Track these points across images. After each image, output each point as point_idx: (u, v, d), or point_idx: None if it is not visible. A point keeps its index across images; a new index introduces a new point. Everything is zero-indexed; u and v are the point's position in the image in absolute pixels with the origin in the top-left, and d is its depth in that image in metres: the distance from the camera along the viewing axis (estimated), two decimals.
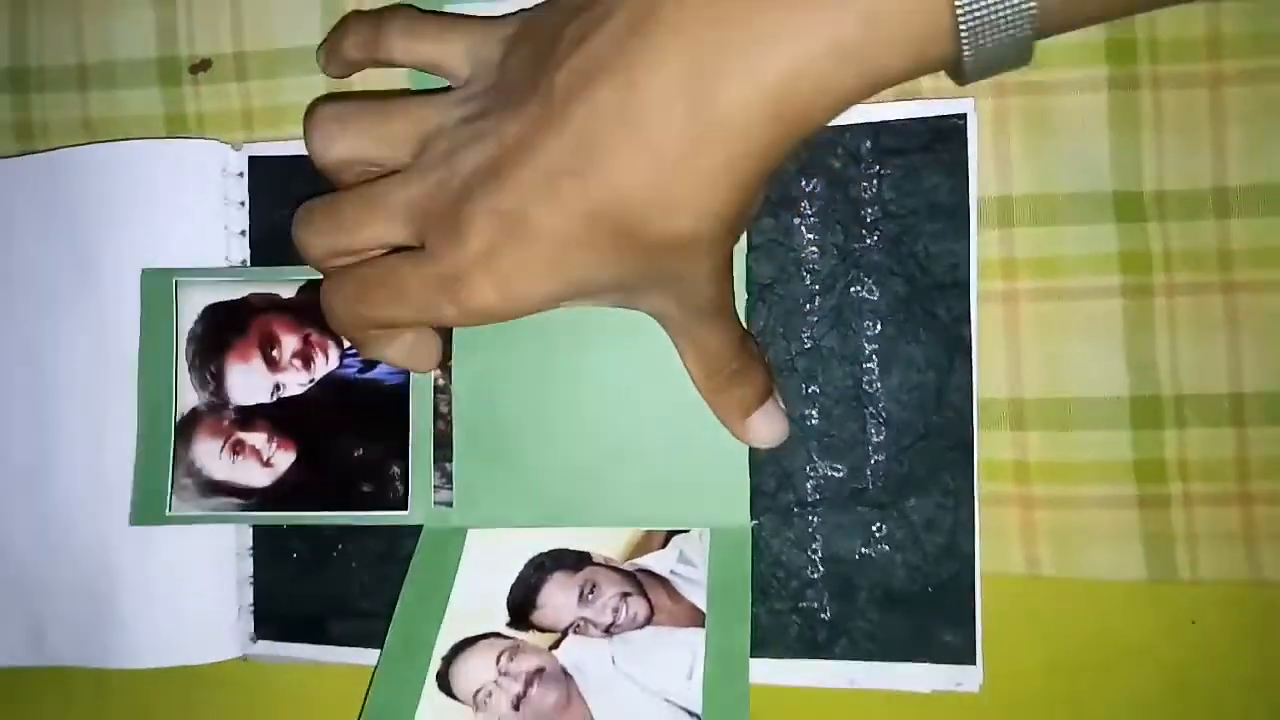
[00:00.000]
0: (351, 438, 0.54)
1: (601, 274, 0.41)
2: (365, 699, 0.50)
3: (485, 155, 0.40)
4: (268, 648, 0.55)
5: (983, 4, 0.34)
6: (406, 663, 0.50)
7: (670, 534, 0.51)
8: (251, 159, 0.55)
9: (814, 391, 0.50)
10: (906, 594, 0.49)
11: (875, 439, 0.50)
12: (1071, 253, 0.49)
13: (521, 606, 0.51)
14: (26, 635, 0.56)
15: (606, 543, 0.52)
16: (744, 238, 0.50)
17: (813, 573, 0.50)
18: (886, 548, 0.49)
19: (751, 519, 0.50)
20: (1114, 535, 0.48)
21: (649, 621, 0.50)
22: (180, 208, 0.55)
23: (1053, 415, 0.49)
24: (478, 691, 0.49)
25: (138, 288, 0.55)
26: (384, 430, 0.54)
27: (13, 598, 0.56)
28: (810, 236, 0.50)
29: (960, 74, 0.37)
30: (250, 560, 0.55)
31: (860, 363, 0.50)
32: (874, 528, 0.50)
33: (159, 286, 0.55)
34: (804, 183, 0.50)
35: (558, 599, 0.51)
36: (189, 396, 0.55)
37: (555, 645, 0.50)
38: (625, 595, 0.50)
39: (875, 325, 0.50)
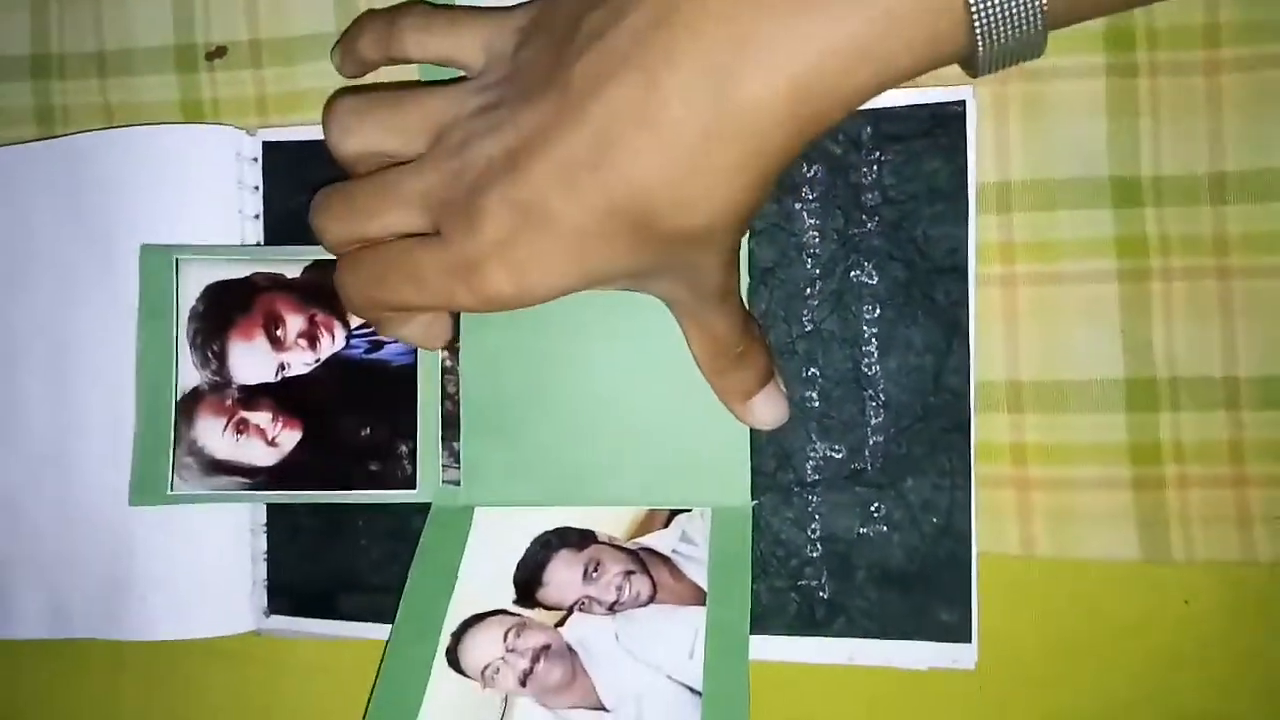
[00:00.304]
0: (358, 417, 0.55)
1: (616, 264, 0.41)
2: (376, 675, 0.51)
3: (501, 145, 0.40)
4: (280, 622, 0.56)
5: (995, 1, 0.35)
6: (416, 639, 0.51)
7: (672, 513, 0.52)
8: (266, 144, 0.56)
9: (814, 374, 0.51)
10: (904, 573, 0.50)
11: (874, 421, 0.50)
12: (1069, 237, 0.49)
13: (528, 584, 0.52)
14: (45, 609, 0.57)
15: (610, 522, 0.53)
16: None
17: (812, 551, 0.51)
18: (884, 527, 0.50)
19: (752, 499, 0.51)
20: (1109, 516, 0.49)
21: (652, 599, 0.51)
22: (196, 192, 0.56)
23: (1049, 398, 0.50)
24: (486, 667, 0.50)
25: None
26: (391, 410, 0.54)
27: (32, 572, 0.57)
28: (811, 221, 0.51)
29: (974, 68, 0.37)
30: (264, 536, 0.56)
31: (859, 346, 0.50)
32: (872, 508, 0.50)
33: (159, 263, 0.55)
34: (805, 168, 0.51)
35: (563, 577, 0.52)
36: (190, 375, 0.55)
37: (560, 622, 0.51)
38: (629, 573, 0.51)
39: (874, 309, 0.50)
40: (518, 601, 0.52)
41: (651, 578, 0.51)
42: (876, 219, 0.50)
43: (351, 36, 0.50)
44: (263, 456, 0.55)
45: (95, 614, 0.56)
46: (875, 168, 0.50)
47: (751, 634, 0.49)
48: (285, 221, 0.56)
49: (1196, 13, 0.48)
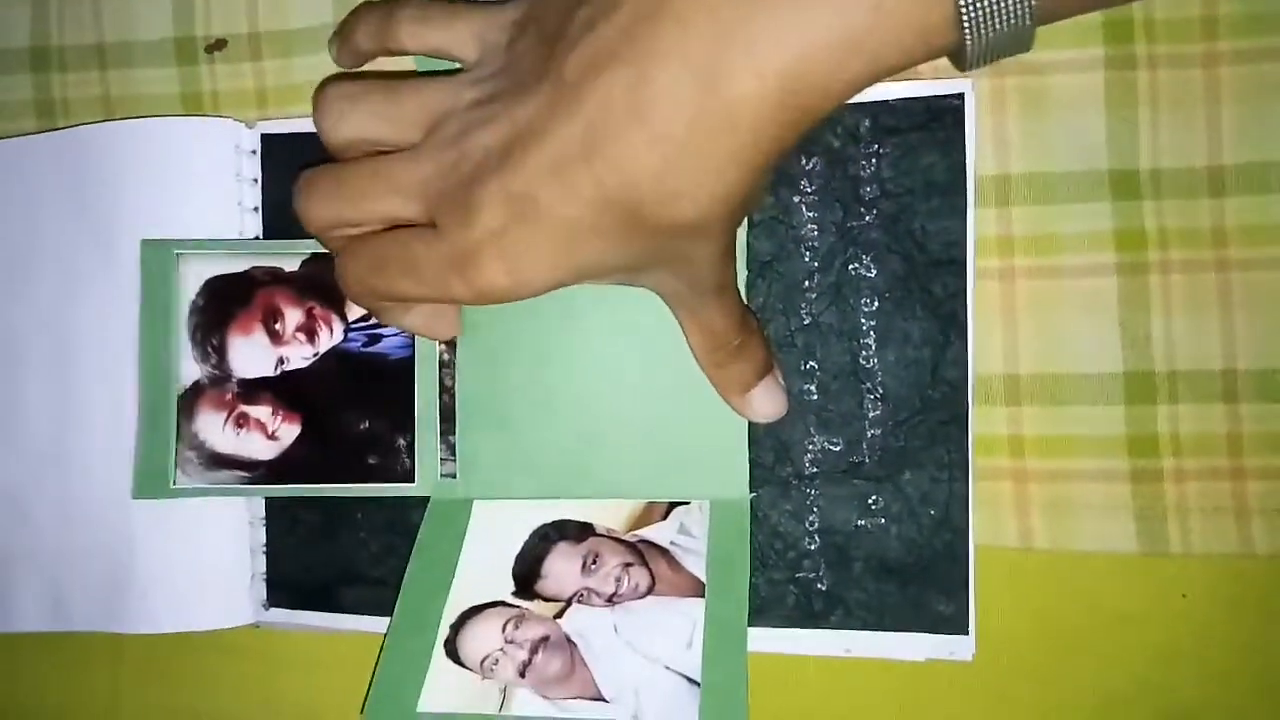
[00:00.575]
0: (357, 411, 0.55)
1: (609, 257, 0.41)
2: (375, 667, 0.51)
3: (497, 137, 0.40)
4: (280, 615, 0.56)
5: None
6: (415, 631, 0.51)
7: (671, 506, 0.52)
8: (264, 137, 0.56)
9: (812, 367, 0.51)
10: (901, 565, 0.50)
11: (872, 413, 0.51)
12: (1067, 230, 0.49)
13: (526, 576, 0.52)
14: (46, 602, 0.57)
15: (609, 514, 0.53)
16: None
17: (810, 544, 0.51)
18: (882, 520, 0.50)
19: (750, 491, 0.51)
20: (1107, 509, 0.49)
21: (650, 591, 0.51)
22: (195, 184, 0.56)
23: (1047, 390, 0.50)
24: (485, 659, 0.50)
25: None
26: (390, 403, 0.55)
27: (33, 565, 0.57)
28: (809, 214, 0.51)
29: (962, 62, 0.37)
30: (263, 529, 0.56)
31: (858, 339, 0.51)
32: (870, 500, 0.50)
33: (158, 258, 0.56)
34: (803, 161, 0.51)
35: (561, 569, 0.52)
36: (191, 369, 0.56)
37: (559, 614, 0.51)
38: (627, 565, 0.51)
39: (873, 302, 0.50)
40: (516, 593, 0.52)
41: (650, 570, 0.51)
42: (875, 212, 0.50)
43: (348, 27, 0.50)
44: (263, 450, 0.55)
45: (96, 607, 0.57)
46: (873, 161, 0.50)
47: (750, 626, 0.49)
48: (284, 214, 0.56)
49: (1194, 6, 0.48)
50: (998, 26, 0.35)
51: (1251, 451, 0.48)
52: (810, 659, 0.51)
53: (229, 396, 0.55)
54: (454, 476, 0.54)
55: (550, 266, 0.41)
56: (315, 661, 0.56)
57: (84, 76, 0.58)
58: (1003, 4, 0.35)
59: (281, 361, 0.55)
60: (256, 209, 0.56)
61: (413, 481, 0.54)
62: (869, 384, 0.50)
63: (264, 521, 0.57)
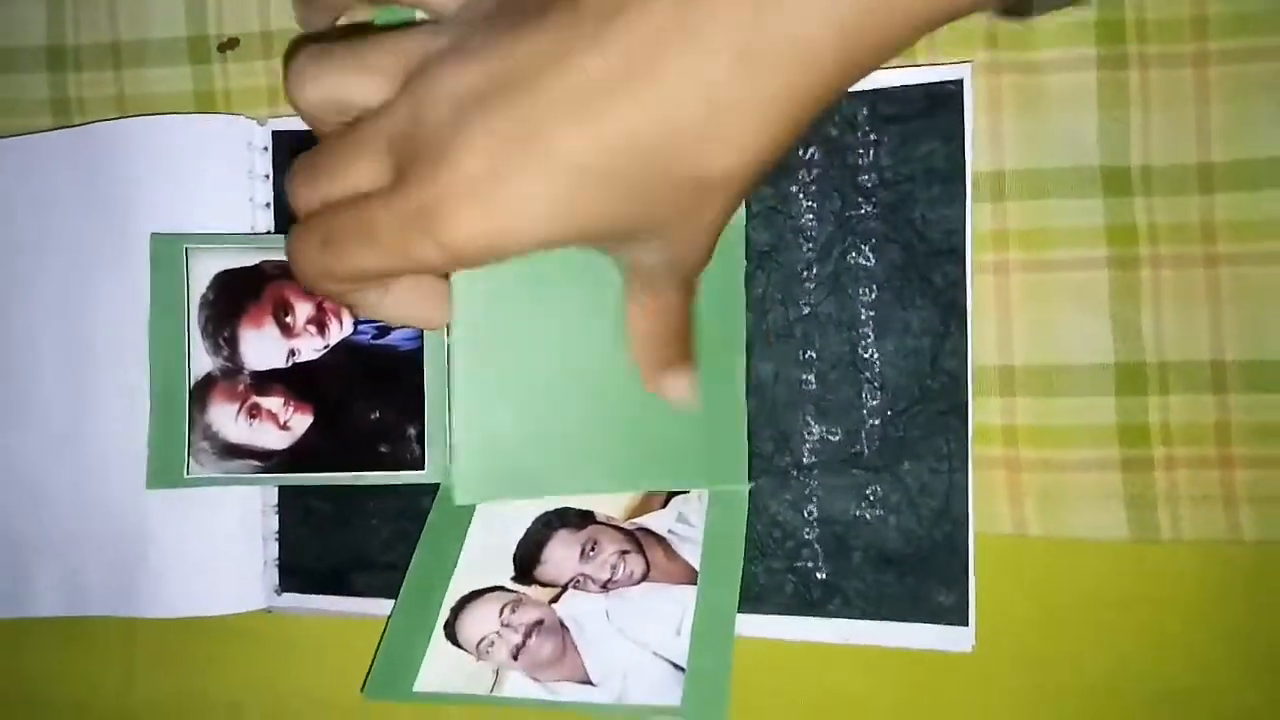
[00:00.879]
0: (368, 401, 0.56)
1: (610, 211, 0.36)
2: (377, 647, 0.52)
3: (485, 74, 0.35)
4: (291, 600, 0.57)
5: None
6: (418, 613, 0.53)
7: (670, 495, 0.53)
8: (275, 133, 0.58)
9: (811, 357, 0.52)
10: (900, 555, 0.51)
11: (871, 403, 0.52)
12: (1060, 225, 0.50)
13: (527, 561, 0.53)
14: (63, 588, 0.58)
15: (609, 502, 0.54)
16: (742, 205, 0.51)
17: (809, 533, 0.52)
18: (881, 510, 0.51)
19: (749, 481, 0.52)
20: (1098, 497, 0.50)
21: (645, 578, 0.52)
22: (207, 180, 0.57)
23: (1041, 381, 0.51)
24: (481, 641, 0.52)
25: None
26: (400, 393, 0.56)
27: (50, 551, 0.58)
28: (808, 204, 0.52)
29: (1028, 9, 0.37)
30: (275, 516, 0.58)
31: (857, 328, 0.52)
32: (869, 490, 0.51)
33: (168, 252, 0.57)
34: (802, 150, 0.52)
35: (561, 555, 0.53)
36: (202, 361, 0.57)
37: (555, 599, 0.52)
38: (624, 553, 0.52)
39: (871, 291, 0.51)
40: (516, 578, 0.53)
41: (646, 557, 0.52)
42: (873, 201, 0.51)
43: None
44: (275, 440, 0.56)
45: (111, 592, 0.58)
46: (872, 149, 0.51)
47: (749, 613, 0.51)
48: None
49: (1185, 5, 0.49)
50: None
51: (1240, 441, 0.49)
52: (809, 646, 0.52)
53: (241, 388, 0.56)
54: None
55: (544, 218, 0.35)
56: (326, 645, 0.57)
57: (99, 75, 0.60)
58: None
59: (293, 353, 0.56)
60: (268, 205, 0.57)
61: (423, 469, 0.56)
62: (868, 374, 0.51)
63: (276, 509, 0.58)
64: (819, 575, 0.52)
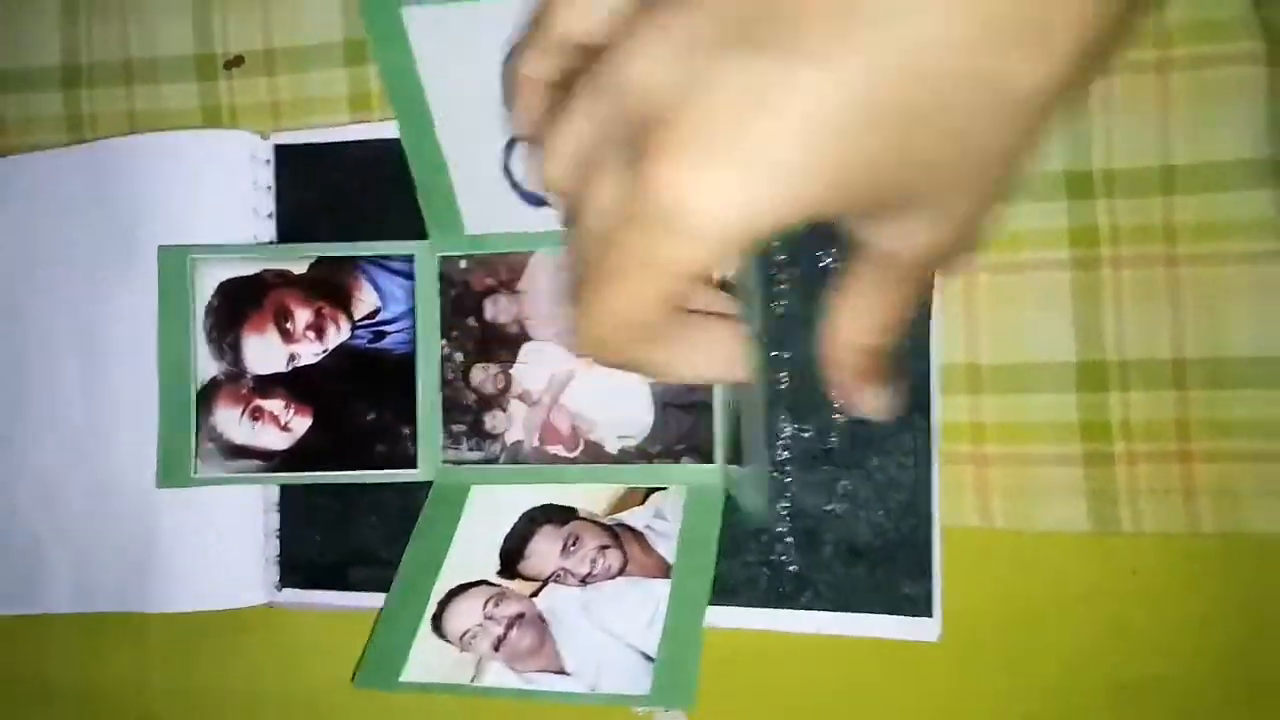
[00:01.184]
0: (364, 403, 0.58)
1: (887, 159, 0.27)
2: (368, 639, 0.54)
3: (691, 30, 0.28)
4: (292, 595, 0.60)
5: None
6: (407, 607, 0.55)
7: (649, 491, 0.55)
8: (278, 147, 0.60)
9: (784, 357, 0.54)
10: (869, 548, 0.52)
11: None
12: (1025, 227, 0.52)
13: (511, 556, 0.55)
14: (74, 584, 0.61)
15: (591, 498, 0.56)
16: None
17: (782, 527, 0.54)
18: (850, 504, 0.53)
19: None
20: (1062, 491, 0.51)
21: (622, 572, 0.54)
22: (213, 193, 0.60)
23: (1007, 379, 0.52)
24: (465, 633, 0.54)
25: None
26: (394, 395, 0.58)
27: (63, 551, 0.61)
28: None
29: None
30: (277, 515, 0.60)
31: None
32: (839, 485, 0.53)
33: (175, 263, 0.59)
34: None
35: (544, 549, 0.55)
36: (208, 366, 0.59)
37: (535, 593, 0.54)
38: (604, 548, 0.54)
39: None
40: (500, 573, 0.55)
41: (624, 552, 0.54)
42: None
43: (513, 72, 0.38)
44: (277, 441, 0.59)
45: (120, 589, 0.60)
46: None
47: (723, 606, 0.53)
48: (295, 219, 0.60)
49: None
50: None
51: (1198, 435, 0.50)
52: (782, 637, 0.54)
53: (244, 391, 0.59)
54: (454, 463, 0.57)
55: (805, 178, 0.27)
56: (325, 637, 0.59)
57: (111, 92, 0.62)
58: None
59: (293, 358, 0.59)
60: (271, 215, 0.60)
61: (416, 468, 0.58)
62: None
63: (278, 507, 0.60)
64: (792, 568, 0.53)
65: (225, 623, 0.60)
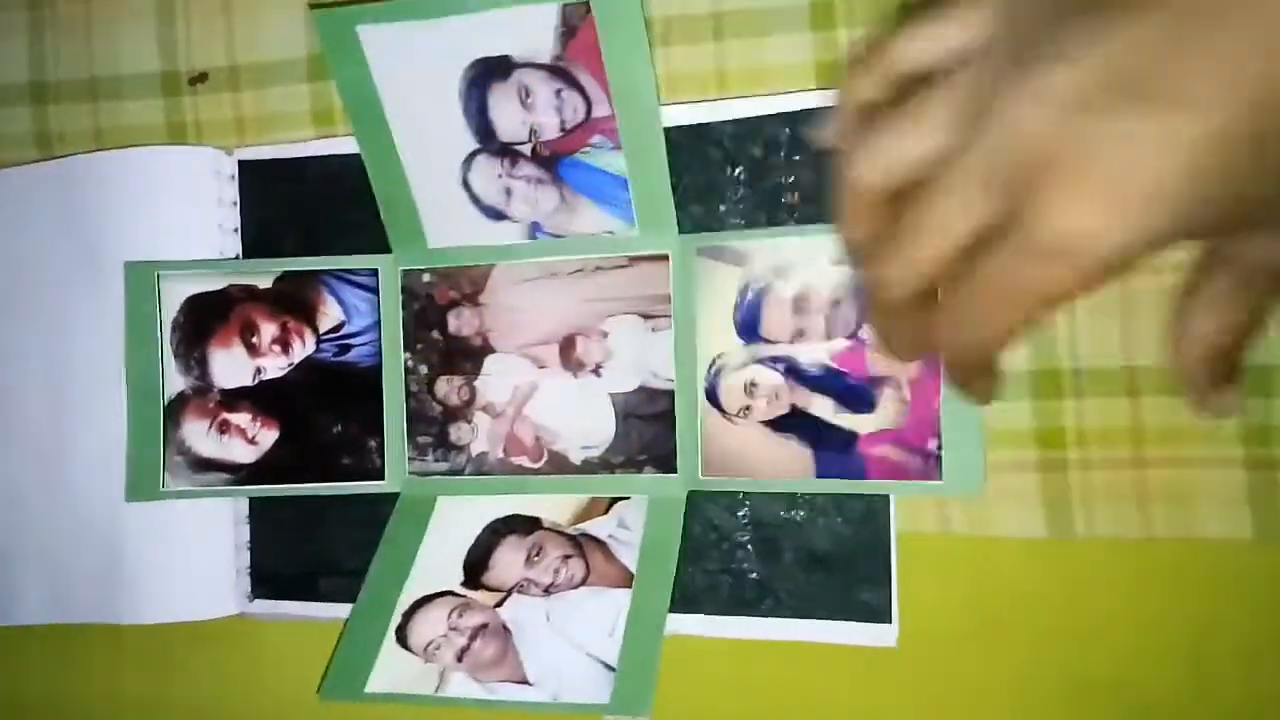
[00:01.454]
0: (330, 416, 0.59)
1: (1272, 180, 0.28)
2: (334, 650, 0.55)
3: (1076, 77, 0.28)
4: (263, 606, 0.60)
5: None
6: (372, 618, 0.55)
7: (612, 501, 0.56)
8: (241, 163, 0.61)
9: None
10: (828, 556, 0.53)
11: None
12: None
13: (475, 567, 0.56)
14: (47, 597, 0.62)
15: (556, 509, 0.56)
16: None
17: (743, 536, 0.54)
18: (810, 512, 0.53)
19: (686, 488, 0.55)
20: (1017, 497, 0.52)
21: (585, 581, 0.54)
22: (179, 209, 0.60)
23: None
24: (429, 644, 0.54)
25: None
26: (360, 408, 0.59)
27: (35, 563, 0.62)
28: (737, 222, 0.54)
29: None
30: (247, 526, 0.61)
31: None
32: (799, 493, 0.53)
33: (142, 278, 0.60)
34: (729, 171, 0.54)
35: (507, 559, 0.56)
36: (175, 381, 0.60)
37: (499, 604, 0.55)
38: (567, 557, 0.55)
39: None
40: (464, 583, 0.56)
41: (586, 561, 0.54)
42: (795, 217, 0.53)
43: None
44: (244, 454, 0.59)
45: (93, 600, 0.61)
46: (795, 172, 0.53)
47: (685, 613, 0.53)
48: (260, 234, 0.60)
49: None
50: None
51: (1152, 442, 0.50)
52: (743, 643, 0.54)
53: (211, 405, 0.60)
54: (420, 474, 0.58)
55: (1202, 195, 0.27)
56: (294, 647, 0.60)
57: (77, 108, 0.63)
58: None
59: (259, 371, 0.59)
60: (236, 230, 0.60)
61: (382, 479, 0.59)
62: None
63: (247, 519, 0.61)
64: (752, 576, 0.54)
65: (198, 633, 0.61)
